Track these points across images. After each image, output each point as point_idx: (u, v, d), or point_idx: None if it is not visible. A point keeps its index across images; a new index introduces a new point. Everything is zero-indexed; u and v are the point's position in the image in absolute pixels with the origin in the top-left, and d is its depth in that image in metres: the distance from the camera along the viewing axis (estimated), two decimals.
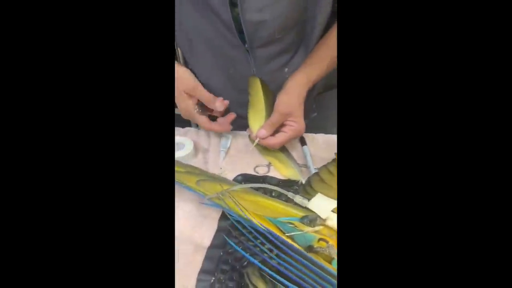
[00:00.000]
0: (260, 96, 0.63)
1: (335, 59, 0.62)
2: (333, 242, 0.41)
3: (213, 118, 0.65)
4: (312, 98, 0.74)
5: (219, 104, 0.61)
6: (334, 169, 0.53)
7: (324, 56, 0.62)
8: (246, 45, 0.63)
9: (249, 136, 0.64)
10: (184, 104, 0.59)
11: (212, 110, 0.64)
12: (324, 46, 0.63)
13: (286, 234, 0.42)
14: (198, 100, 0.61)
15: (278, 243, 0.37)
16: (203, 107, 0.63)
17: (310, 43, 0.64)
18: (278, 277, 0.36)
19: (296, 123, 0.58)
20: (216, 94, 0.68)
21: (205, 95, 0.60)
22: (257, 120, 0.62)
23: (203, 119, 0.60)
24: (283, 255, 0.38)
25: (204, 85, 0.72)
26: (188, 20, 0.64)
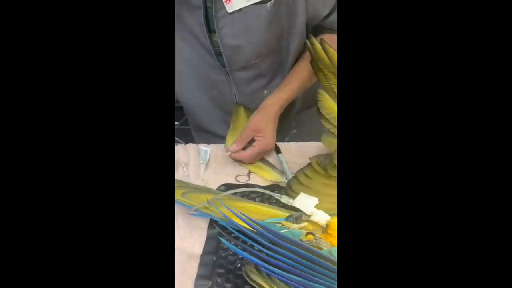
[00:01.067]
0: (242, 122, 0.69)
1: (307, 81, 0.69)
2: (319, 234, 0.45)
3: None
4: (292, 116, 0.80)
5: None
6: (309, 172, 0.58)
7: (297, 78, 0.69)
8: (226, 68, 0.69)
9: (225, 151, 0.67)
10: None
11: None
12: (297, 69, 0.70)
13: None
14: None
15: (272, 237, 0.40)
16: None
17: (286, 68, 0.71)
18: (276, 270, 0.39)
19: (264, 138, 0.63)
20: (198, 115, 0.74)
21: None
22: (233, 139, 0.66)
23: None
24: (274, 254, 0.40)
25: (189, 107, 0.78)
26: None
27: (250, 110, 0.70)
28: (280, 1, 0.62)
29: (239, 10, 0.62)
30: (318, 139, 0.73)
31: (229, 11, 0.61)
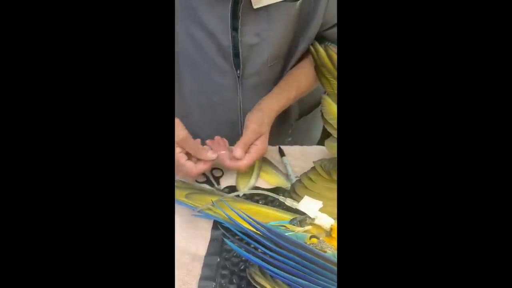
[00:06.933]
0: None
1: (303, 89, 0.68)
2: (323, 238, 0.46)
3: None
4: (289, 125, 0.78)
5: (210, 154, 0.57)
6: (313, 176, 0.59)
7: (294, 85, 0.67)
8: (238, 71, 0.65)
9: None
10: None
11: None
12: (295, 75, 0.68)
13: None
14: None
15: (277, 240, 0.40)
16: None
17: (287, 69, 0.70)
18: (280, 272, 0.39)
19: (261, 144, 0.60)
20: (194, 121, 0.69)
21: (193, 147, 0.56)
22: None
23: (190, 165, 0.56)
24: (279, 256, 0.40)
25: (185, 112, 0.71)
26: (177, 43, 0.64)
27: None
28: (305, 1, 0.61)
29: (266, 6, 0.58)
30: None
31: (255, 6, 0.58)
